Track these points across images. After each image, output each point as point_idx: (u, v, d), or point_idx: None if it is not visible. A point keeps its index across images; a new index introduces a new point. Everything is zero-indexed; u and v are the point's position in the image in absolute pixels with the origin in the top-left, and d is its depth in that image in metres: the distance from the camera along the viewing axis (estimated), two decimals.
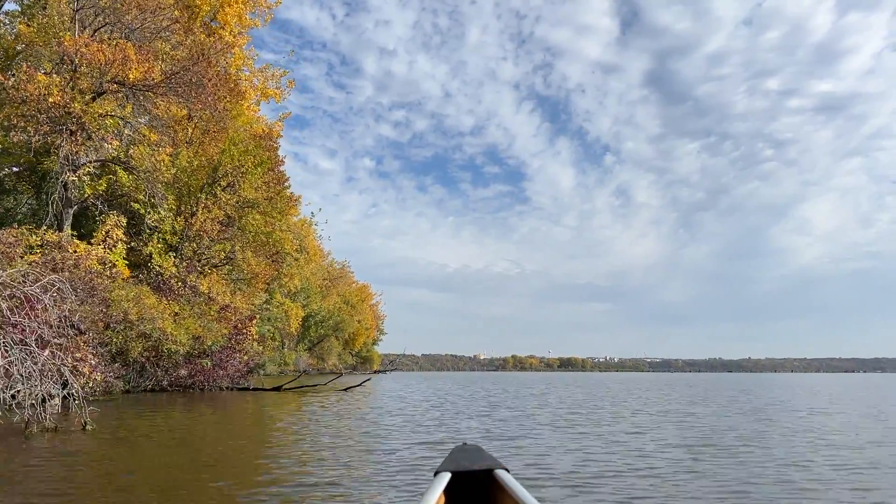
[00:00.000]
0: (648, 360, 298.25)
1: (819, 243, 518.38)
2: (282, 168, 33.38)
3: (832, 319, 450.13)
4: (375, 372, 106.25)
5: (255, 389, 23.99)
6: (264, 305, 69.35)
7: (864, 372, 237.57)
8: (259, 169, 27.37)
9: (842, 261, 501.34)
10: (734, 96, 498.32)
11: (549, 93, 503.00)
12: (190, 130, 28.57)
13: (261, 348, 28.05)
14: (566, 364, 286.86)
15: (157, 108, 24.88)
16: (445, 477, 3.19)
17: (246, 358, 27.31)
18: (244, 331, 26.13)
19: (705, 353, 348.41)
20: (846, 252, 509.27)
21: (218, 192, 26.52)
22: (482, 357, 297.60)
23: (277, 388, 23.22)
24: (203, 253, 27.01)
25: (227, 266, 29.97)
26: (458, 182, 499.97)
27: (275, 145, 31.60)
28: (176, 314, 22.64)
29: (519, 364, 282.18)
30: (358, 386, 23.80)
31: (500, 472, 3.25)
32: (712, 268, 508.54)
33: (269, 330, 71.66)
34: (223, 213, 26.43)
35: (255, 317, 27.26)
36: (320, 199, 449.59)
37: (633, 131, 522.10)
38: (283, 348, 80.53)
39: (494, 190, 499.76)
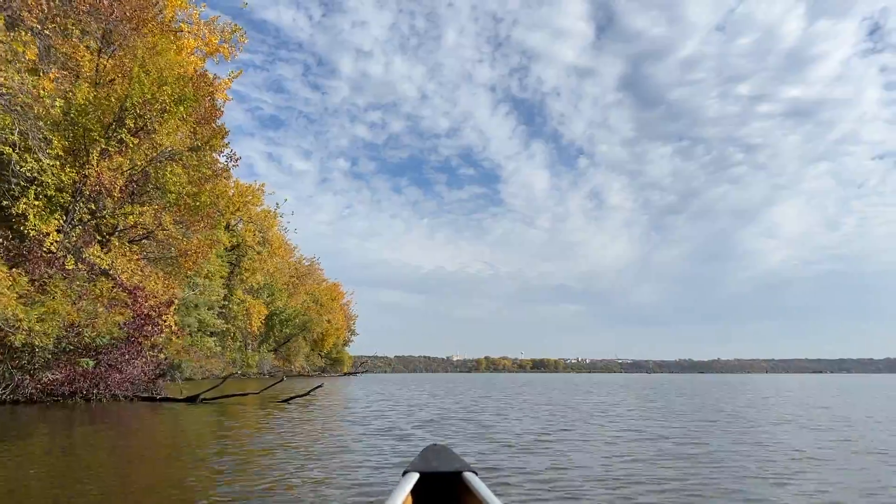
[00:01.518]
0: (620, 361, 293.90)
1: (786, 246, 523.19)
2: (221, 122, 26.54)
3: (798, 321, 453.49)
4: (348, 374, 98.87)
5: (163, 399, 17.05)
6: (223, 301, 62.15)
7: (831, 373, 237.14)
8: (181, 108, 20.39)
9: (808, 263, 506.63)
10: (706, 101, 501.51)
11: (525, 96, 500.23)
12: (100, 65, 21.57)
13: (206, 344, 20.98)
14: (539, 365, 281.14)
15: (33, 19, 17.98)
16: (413, 477, 3.07)
17: (163, 357, 20.29)
18: (157, 320, 19.12)
19: (676, 354, 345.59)
20: (813, 255, 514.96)
21: (124, 137, 19.46)
22: (455, 359, 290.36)
23: (192, 399, 16.33)
24: (104, 217, 19.93)
25: (145, 240, 22.96)
26: (433, 184, 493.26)
27: (210, 89, 24.60)
28: (44, 292, 15.59)
29: (492, 365, 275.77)
30: (304, 396, 17.00)
31: (469, 475, 3.11)
32: (683, 270, 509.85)
33: (228, 328, 64.44)
34: (129, 162, 19.39)
35: (173, 302, 20.22)
36: (294, 199, 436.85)
37: (607, 134, 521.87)
38: (246, 349, 73.13)
39: (469, 192, 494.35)
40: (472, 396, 22.12)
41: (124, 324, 17.50)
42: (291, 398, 16.28)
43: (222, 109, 26.00)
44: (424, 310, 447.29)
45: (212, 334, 58.04)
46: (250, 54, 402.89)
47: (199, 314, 54.44)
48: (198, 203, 21.61)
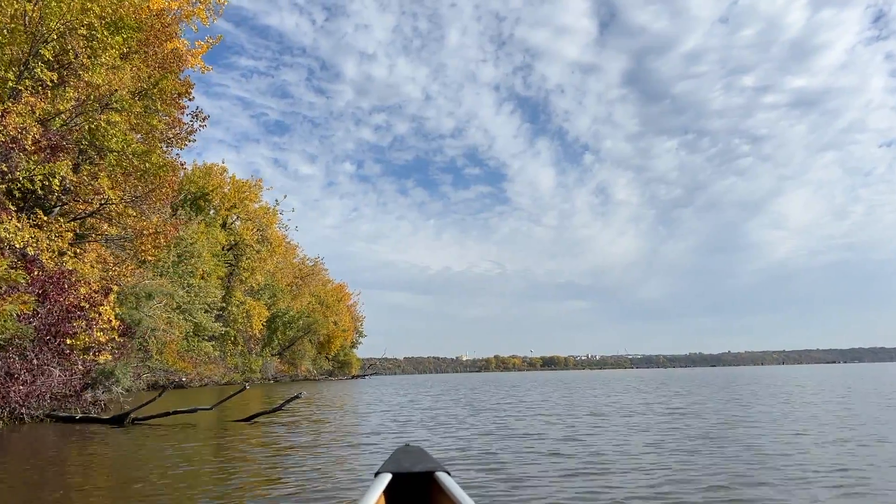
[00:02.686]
0: (630, 357, 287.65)
1: (795, 237, 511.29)
2: (186, 76, 21.71)
3: (809, 312, 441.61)
4: (356, 377, 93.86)
5: (83, 420, 12.02)
6: (222, 304, 57.10)
7: (844, 362, 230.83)
8: (118, 39, 15.37)
9: (817, 253, 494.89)
10: (711, 93, 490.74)
11: (529, 94, 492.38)
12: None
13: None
14: (549, 363, 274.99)
15: None
16: (385, 478, 2.98)
17: (103, 361, 15.23)
18: (89, 314, 14.09)
19: (686, 348, 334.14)
20: (821, 245, 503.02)
21: (40, 73, 14.44)
22: (465, 358, 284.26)
23: (120, 420, 11.31)
24: (17, 180, 14.88)
25: (91, 217, 18.01)
26: (439, 184, 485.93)
27: (169, 31, 19.59)
28: None
29: (502, 364, 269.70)
30: (272, 412, 11.78)
31: (441, 475, 3.00)
32: (691, 263, 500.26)
33: (228, 332, 59.40)
34: (49, 105, 14.38)
35: (111, 290, 15.17)
36: (301, 204, 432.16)
37: (612, 130, 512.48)
38: (249, 353, 68.20)
39: (475, 191, 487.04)
40: (499, 403, 17.03)
41: (31, 317, 12.46)
42: (255, 416, 11.23)
43: (187, 57, 21.07)
44: (433, 310, 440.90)
45: (210, 338, 52.97)
46: (254, 60, 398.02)
47: (194, 317, 49.34)
48: (148, 165, 16.53)
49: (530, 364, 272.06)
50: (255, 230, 65.80)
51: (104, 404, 15.12)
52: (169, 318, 41.91)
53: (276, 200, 70.26)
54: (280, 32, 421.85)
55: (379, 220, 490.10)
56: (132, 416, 11.33)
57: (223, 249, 59.35)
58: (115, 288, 15.57)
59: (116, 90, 15.28)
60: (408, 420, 11.51)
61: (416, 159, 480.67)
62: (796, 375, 42.44)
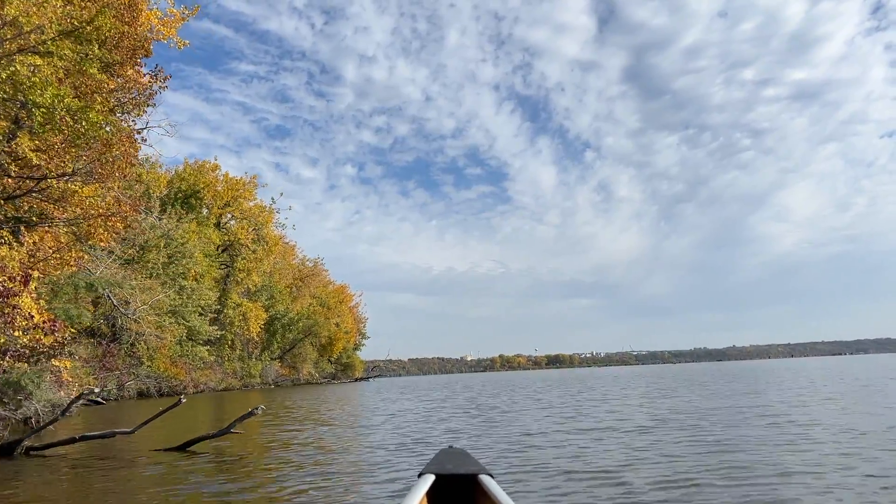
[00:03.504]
0: (635, 353, 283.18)
1: (798, 229, 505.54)
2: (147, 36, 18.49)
3: (813, 304, 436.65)
4: (359, 379, 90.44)
5: None
6: (217, 306, 53.68)
7: (849, 354, 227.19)
8: None
9: (820, 246, 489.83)
10: (711, 88, 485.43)
11: (529, 92, 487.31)
12: None
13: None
14: (554, 361, 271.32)
15: None
16: (429, 479, 2.95)
17: (22, 371, 11.82)
18: (1, 307, 10.72)
19: (690, 343, 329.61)
20: (824, 237, 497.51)
21: None
22: (469, 358, 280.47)
23: (9, 450, 7.88)
24: None
25: (34, 194, 14.66)
26: (441, 185, 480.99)
27: None
28: None
29: (507, 364, 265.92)
30: (217, 436, 8.26)
31: (484, 478, 2.96)
32: (694, 259, 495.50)
33: (224, 335, 56.01)
34: None
35: (30, 276, 11.77)
36: (303, 208, 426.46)
37: (613, 127, 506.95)
38: (249, 358, 64.79)
39: (477, 191, 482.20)
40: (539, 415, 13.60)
41: None
42: (193, 442, 7.85)
43: (142, 6, 17.70)
44: (436, 311, 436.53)
45: (206, 343, 49.50)
46: (254, 65, 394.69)
47: (187, 320, 45.78)
48: (85, 124, 13.11)
49: (535, 363, 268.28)
50: (250, 229, 62.34)
51: (35, 422, 11.82)
52: (159, 322, 38.61)
53: (273, 199, 66.72)
54: (279, 37, 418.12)
55: (381, 222, 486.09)
56: (25, 444, 7.96)
57: (217, 249, 56.08)
58: (35, 274, 12.20)
59: (40, 25, 11.92)
60: (400, 444, 8.14)
61: (417, 160, 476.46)
62: (821, 367, 39.02)
